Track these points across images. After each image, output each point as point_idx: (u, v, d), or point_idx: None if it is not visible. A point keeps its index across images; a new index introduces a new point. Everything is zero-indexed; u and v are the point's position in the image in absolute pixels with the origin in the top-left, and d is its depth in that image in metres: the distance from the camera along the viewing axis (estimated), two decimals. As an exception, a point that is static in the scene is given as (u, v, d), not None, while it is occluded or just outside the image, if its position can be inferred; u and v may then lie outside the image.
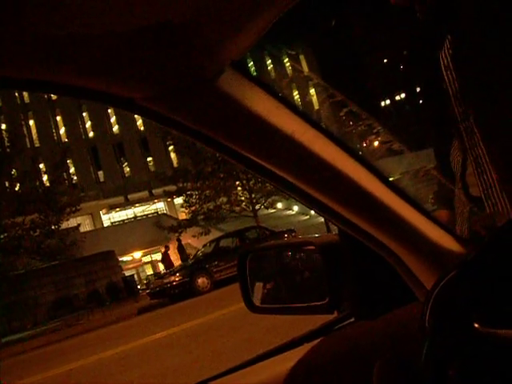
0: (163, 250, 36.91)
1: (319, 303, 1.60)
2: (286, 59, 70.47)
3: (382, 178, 1.26)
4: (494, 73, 1.80)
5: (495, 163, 1.92)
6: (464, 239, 1.39)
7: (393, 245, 1.35)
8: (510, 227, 1.11)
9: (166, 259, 35.11)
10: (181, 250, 34.96)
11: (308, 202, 1.28)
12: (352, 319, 1.66)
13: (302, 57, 71.24)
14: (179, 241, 36.77)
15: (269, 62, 68.57)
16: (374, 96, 73.96)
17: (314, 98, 66.51)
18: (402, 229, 1.30)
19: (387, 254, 1.39)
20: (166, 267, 33.11)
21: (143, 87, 0.92)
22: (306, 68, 71.75)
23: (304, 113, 1.10)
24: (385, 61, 77.00)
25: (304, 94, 66.87)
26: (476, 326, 0.92)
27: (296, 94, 66.36)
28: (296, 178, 1.19)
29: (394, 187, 1.28)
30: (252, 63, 61.43)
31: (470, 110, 1.95)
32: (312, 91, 68.27)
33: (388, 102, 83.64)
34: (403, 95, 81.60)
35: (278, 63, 68.86)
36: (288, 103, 1.07)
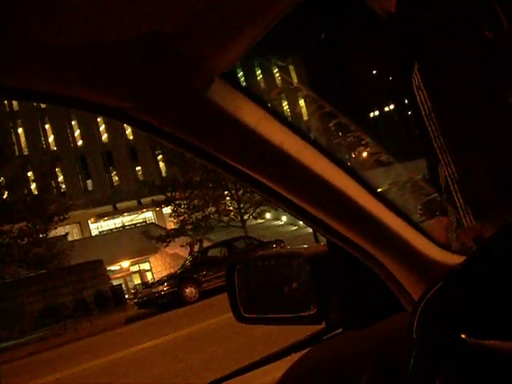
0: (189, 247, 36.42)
1: (307, 313, 1.60)
2: (275, 70, 70.54)
3: (371, 189, 1.26)
4: (460, 95, 1.81)
5: (470, 183, 1.93)
6: (452, 250, 1.39)
7: (381, 255, 1.35)
8: (497, 239, 1.12)
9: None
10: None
11: (296, 212, 1.28)
12: (340, 329, 1.66)
13: (291, 68, 71.36)
14: (201, 241, 36.50)
15: (258, 72, 68.62)
16: (362, 107, 74.10)
17: (304, 110, 66.55)
18: (390, 239, 1.31)
19: (375, 265, 1.40)
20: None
21: (133, 97, 0.92)
22: (295, 79, 71.82)
23: (293, 124, 1.11)
24: (374, 72, 77.16)
25: (293, 105, 66.91)
26: (463, 336, 0.93)
27: (285, 105, 66.42)
28: (285, 189, 1.20)
29: (382, 198, 1.28)
30: (241, 74, 61.45)
31: (439, 130, 1.96)
32: (301, 102, 68.31)
33: (377, 113, 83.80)
34: (392, 106, 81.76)
35: (268, 74, 68.93)
36: (277, 114, 1.08)
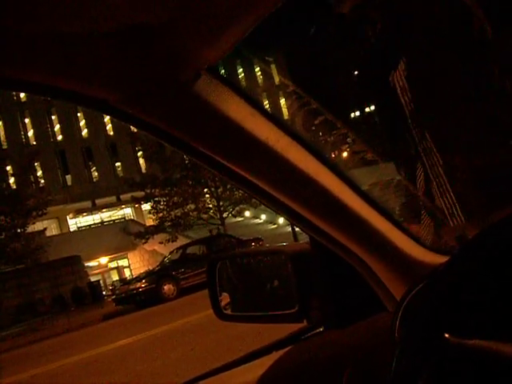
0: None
1: (288, 312, 1.60)
2: (260, 66, 70.28)
3: (355, 187, 1.26)
4: (447, 93, 1.80)
5: (454, 184, 1.93)
6: (434, 250, 1.39)
7: (364, 255, 1.35)
8: (479, 239, 1.12)
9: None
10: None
11: (280, 209, 1.27)
12: (321, 328, 1.66)
13: (273, 66, 71.22)
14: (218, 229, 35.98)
15: (243, 69, 68.37)
16: (344, 106, 74.21)
17: (288, 106, 66.34)
18: (373, 238, 1.30)
19: (358, 264, 1.39)
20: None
21: (119, 89, 0.91)
22: (278, 76, 71.70)
23: (278, 120, 1.10)
24: (355, 73, 77.13)
25: (278, 102, 66.81)
26: (446, 336, 0.92)
27: (269, 102, 66.21)
28: (268, 185, 1.19)
29: (366, 197, 1.28)
30: (228, 68, 61.11)
31: (427, 131, 1.96)
32: (286, 99, 68.13)
33: (358, 113, 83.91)
34: (373, 107, 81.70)
35: (252, 69, 68.77)
36: (263, 110, 1.07)
